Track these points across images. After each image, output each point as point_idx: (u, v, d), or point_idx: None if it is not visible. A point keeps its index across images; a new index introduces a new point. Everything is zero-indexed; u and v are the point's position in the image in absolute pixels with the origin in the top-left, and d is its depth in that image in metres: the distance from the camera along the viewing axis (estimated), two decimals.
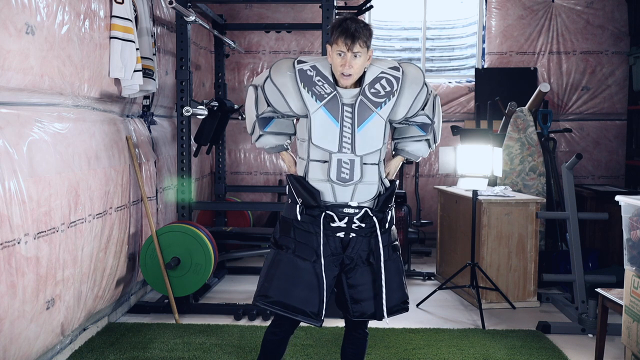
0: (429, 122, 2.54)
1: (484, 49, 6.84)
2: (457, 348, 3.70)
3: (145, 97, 4.59)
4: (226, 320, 4.15)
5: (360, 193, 2.46)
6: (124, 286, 4.17)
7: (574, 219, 4.26)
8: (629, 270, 3.08)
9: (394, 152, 2.69)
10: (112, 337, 3.78)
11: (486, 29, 6.80)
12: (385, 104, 2.42)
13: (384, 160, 2.55)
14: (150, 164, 4.55)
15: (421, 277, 5.39)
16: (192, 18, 4.16)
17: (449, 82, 6.88)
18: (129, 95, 4.03)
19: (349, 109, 2.41)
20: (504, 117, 5.62)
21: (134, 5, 3.98)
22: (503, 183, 5.24)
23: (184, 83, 4.37)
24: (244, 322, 4.15)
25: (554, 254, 5.19)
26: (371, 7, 5.65)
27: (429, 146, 2.62)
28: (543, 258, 5.12)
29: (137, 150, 4.22)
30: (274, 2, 5.71)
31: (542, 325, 4.05)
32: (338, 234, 2.47)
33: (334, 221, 2.45)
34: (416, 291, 4.97)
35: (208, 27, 4.85)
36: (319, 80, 2.42)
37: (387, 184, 2.55)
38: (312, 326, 3.98)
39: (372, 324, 4.11)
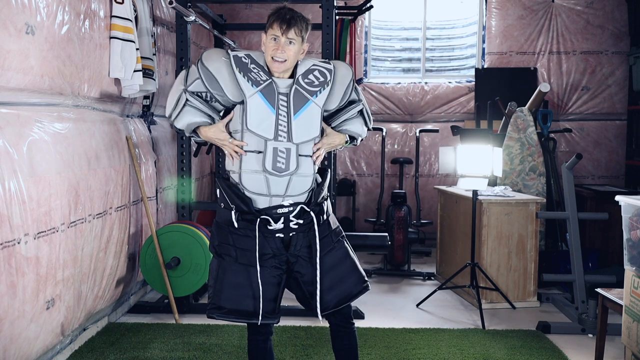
0: (357, 99, 2.56)
1: (484, 49, 6.84)
2: (457, 348, 3.70)
3: (145, 97, 4.59)
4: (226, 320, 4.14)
5: (294, 186, 2.41)
6: (124, 286, 4.17)
7: (574, 219, 4.26)
8: (629, 270, 3.08)
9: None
10: (112, 337, 3.78)
11: (486, 29, 6.80)
12: (320, 92, 2.43)
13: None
14: (150, 164, 4.55)
15: (421, 277, 5.39)
16: (192, 18, 4.16)
17: (449, 82, 6.88)
18: (129, 95, 4.03)
19: (284, 98, 2.40)
20: (504, 117, 5.62)
21: (134, 5, 3.98)
22: (503, 183, 5.24)
23: None
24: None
25: (554, 254, 5.19)
26: (371, 7, 5.67)
27: (365, 124, 2.62)
28: (543, 258, 5.12)
29: (137, 150, 4.22)
30: (274, 2, 5.70)
31: (542, 325, 4.05)
32: (277, 235, 2.42)
33: (270, 224, 2.40)
34: (416, 291, 4.97)
35: (208, 27, 4.85)
36: (254, 68, 2.41)
37: (319, 179, 2.52)
38: (312, 326, 3.99)
39: (372, 324, 4.11)
